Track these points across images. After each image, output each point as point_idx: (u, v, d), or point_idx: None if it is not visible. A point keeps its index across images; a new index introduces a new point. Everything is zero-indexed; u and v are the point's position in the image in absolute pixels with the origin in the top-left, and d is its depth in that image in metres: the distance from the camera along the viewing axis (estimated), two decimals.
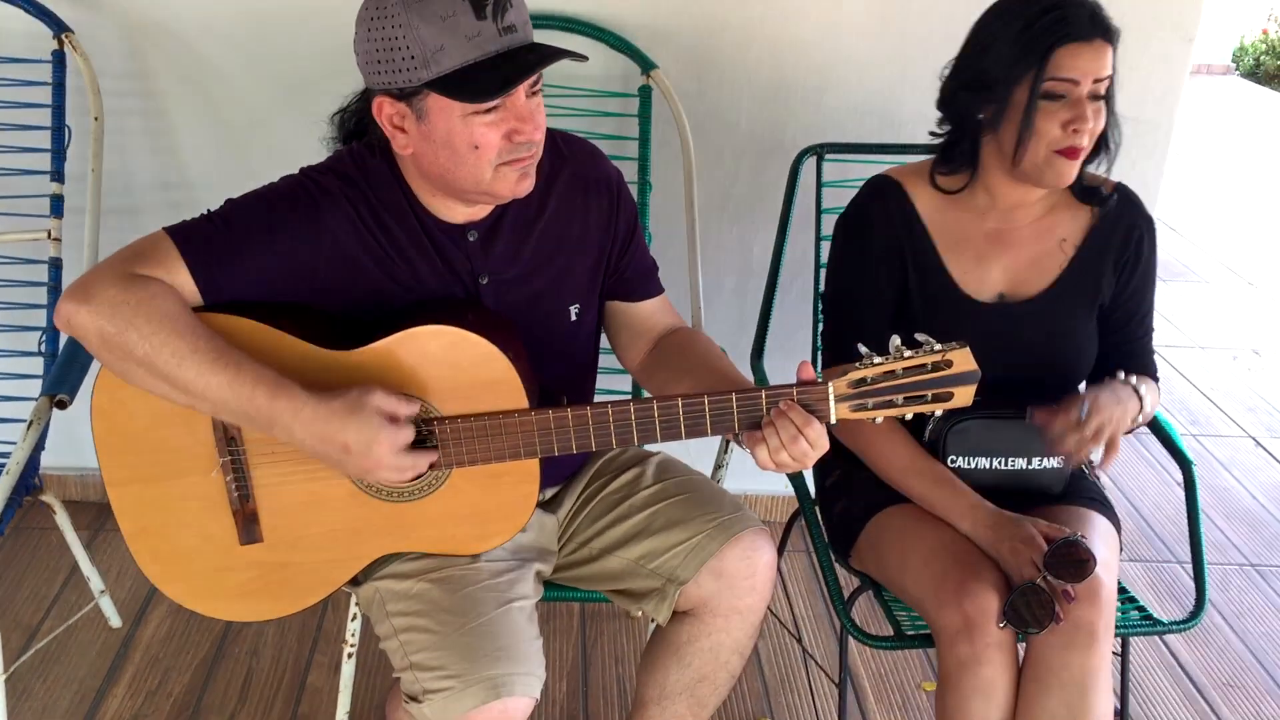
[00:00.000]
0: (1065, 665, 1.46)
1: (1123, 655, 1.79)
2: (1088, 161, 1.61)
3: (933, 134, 1.68)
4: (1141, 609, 1.76)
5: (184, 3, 2.16)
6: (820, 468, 1.81)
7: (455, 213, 1.43)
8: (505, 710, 1.33)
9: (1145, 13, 2.20)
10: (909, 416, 1.35)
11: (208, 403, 1.28)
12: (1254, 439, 3.36)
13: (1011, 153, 1.55)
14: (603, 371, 1.69)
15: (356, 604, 1.66)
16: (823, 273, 1.79)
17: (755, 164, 2.33)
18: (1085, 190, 1.66)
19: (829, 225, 1.79)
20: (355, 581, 1.52)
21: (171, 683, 2.13)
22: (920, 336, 1.32)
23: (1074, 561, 1.45)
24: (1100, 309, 1.70)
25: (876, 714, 2.16)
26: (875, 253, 1.67)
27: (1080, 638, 1.45)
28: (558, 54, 1.30)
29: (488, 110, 1.29)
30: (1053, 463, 1.64)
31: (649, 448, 1.67)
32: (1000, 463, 1.63)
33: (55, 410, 1.79)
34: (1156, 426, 1.85)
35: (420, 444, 1.36)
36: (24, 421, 1.80)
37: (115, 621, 2.25)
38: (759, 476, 1.99)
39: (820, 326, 1.89)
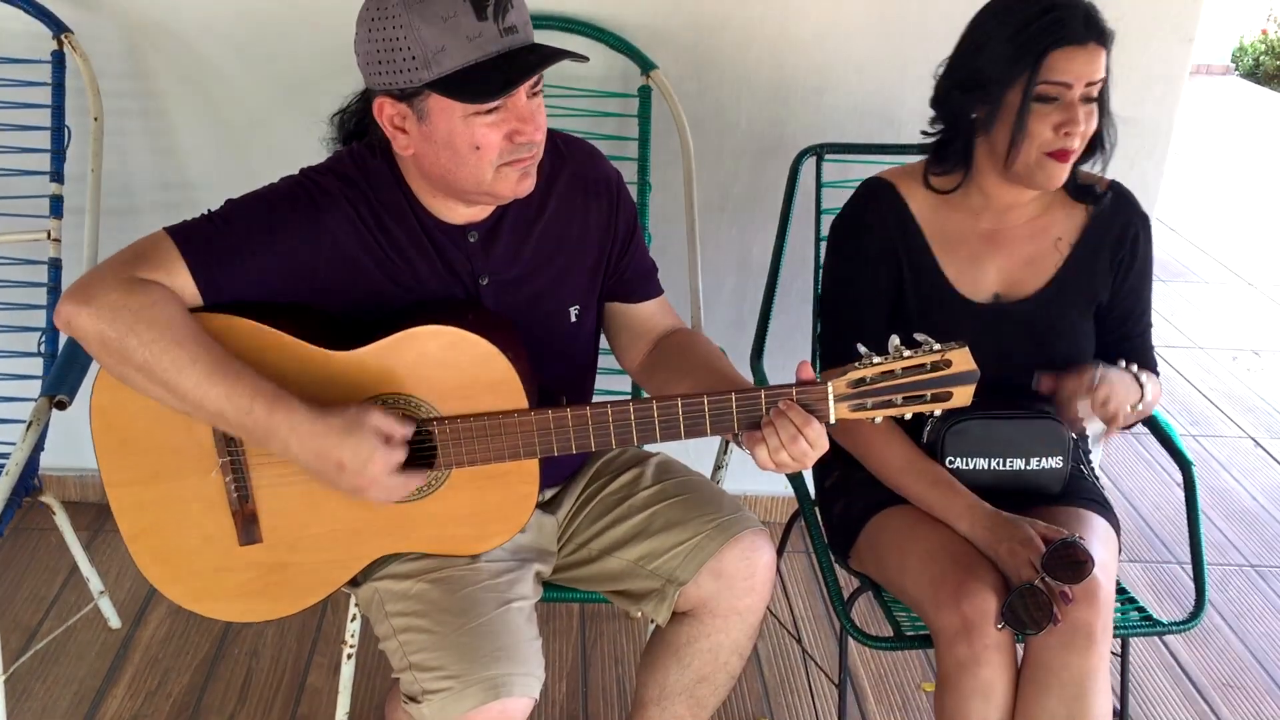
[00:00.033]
0: (1063, 666, 1.46)
1: (1122, 656, 1.79)
2: (1082, 161, 1.61)
3: (925, 133, 1.68)
4: (1141, 609, 1.76)
5: (183, 3, 2.17)
6: (819, 468, 1.81)
7: (456, 213, 1.43)
8: (504, 710, 1.33)
9: (1145, 13, 2.20)
10: (908, 416, 1.35)
11: (205, 412, 1.28)
12: (1253, 439, 3.36)
13: (1004, 154, 1.55)
14: (602, 372, 1.69)
15: (356, 604, 1.66)
16: (822, 273, 1.79)
17: (755, 164, 2.33)
18: (1079, 189, 1.67)
19: (829, 225, 1.79)
20: (354, 582, 1.52)
21: (171, 683, 2.13)
22: (919, 336, 1.33)
23: (1072, 563, 1.45)
24: (1098, 307, 1.71)
25: (876, 714, 2.16)
26: (870, 254, 1.67)
27: (1078, 639, 1.45)
28: (559, 54, 1.30)
29: (489, 111, 1.29)
30: (1051, 463, 1.64)
31: (648, 448, 1.67)
32: (999, 463, 1.63)
33: (55, 411, 1.78)
34: (1156, 427, 1.85)
35: (414, 457, 1.37)
36: (23, 422, 1.80)
37: (115, 622, 2.25)
38: (758, 477, 1.99)
39: (818, 328, 1.89)
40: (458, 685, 1.33)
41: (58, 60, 2.07)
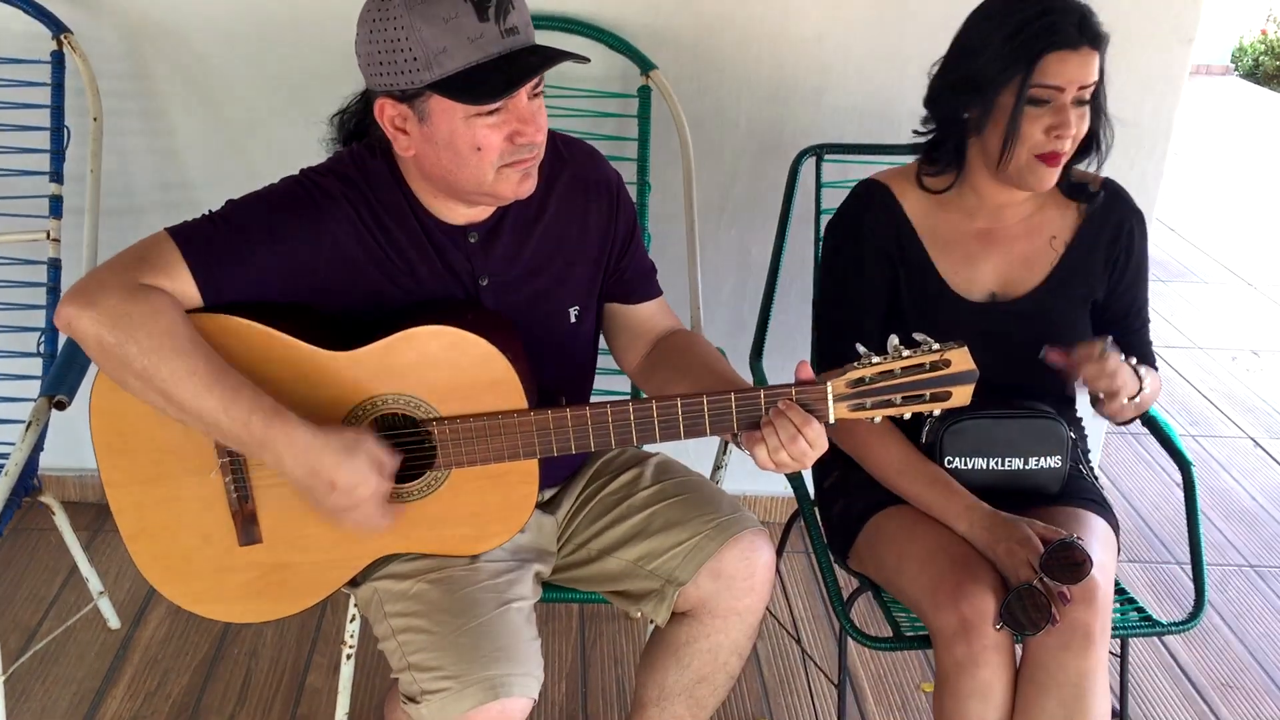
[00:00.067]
0: (1062, 667, 1.46)
1: (1122, 656, 1.79)
2: (1075, 161, 1.62)
3: (917, 132, 1.68)
4: (1141, 610, 1.76)
5: (183, 3, 2.17)
6: (819, 469, 1.81)
7: (456, 214, 1.43)
8: (503, 711, 1.33)
9: (1144, 14, 2.21)
10: (907, 416, 1.35)
11: (201, 422, 1.28)
12: (1253, 440, 3.36)
13: (995, 155, 1.56)
14: (600, 372, 1.69)
15: (355, 605, 1.66)
16: (817, 276, 1.80)
17: (755, 164, 2.33)
18: (1073, 187, 1.67)
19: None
20: (354, 582, 1.52)
21: (170, 684, 2.13)
22: (918, 336, 1.33)
23: (1070, 563, 1.45)
24: (1094, 305, 1.71)
25: (875, 715, 2.16)
26: (865, 257, 1.68)
27: (1076, 639, 1.45)
28: (560, 56, 1.30)
29: (490, 112, 1.29)
30: (1050, 462, 1.64)
31: (648, 448, 1.67)
32: (997, 463, 1.63)
33: (54, 411, 1.78)
34: (1155, 427, 1.85)
35: (414, 457, 1.38)
36: (23, 422, 1.80)
37: (114, 623, 2.25)
38: (758, 477, 1.99)
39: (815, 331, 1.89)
40: (457, 685, 1.33)
41: (57, 60, 2.07)
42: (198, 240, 1.33)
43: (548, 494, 1.65)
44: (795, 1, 2.20)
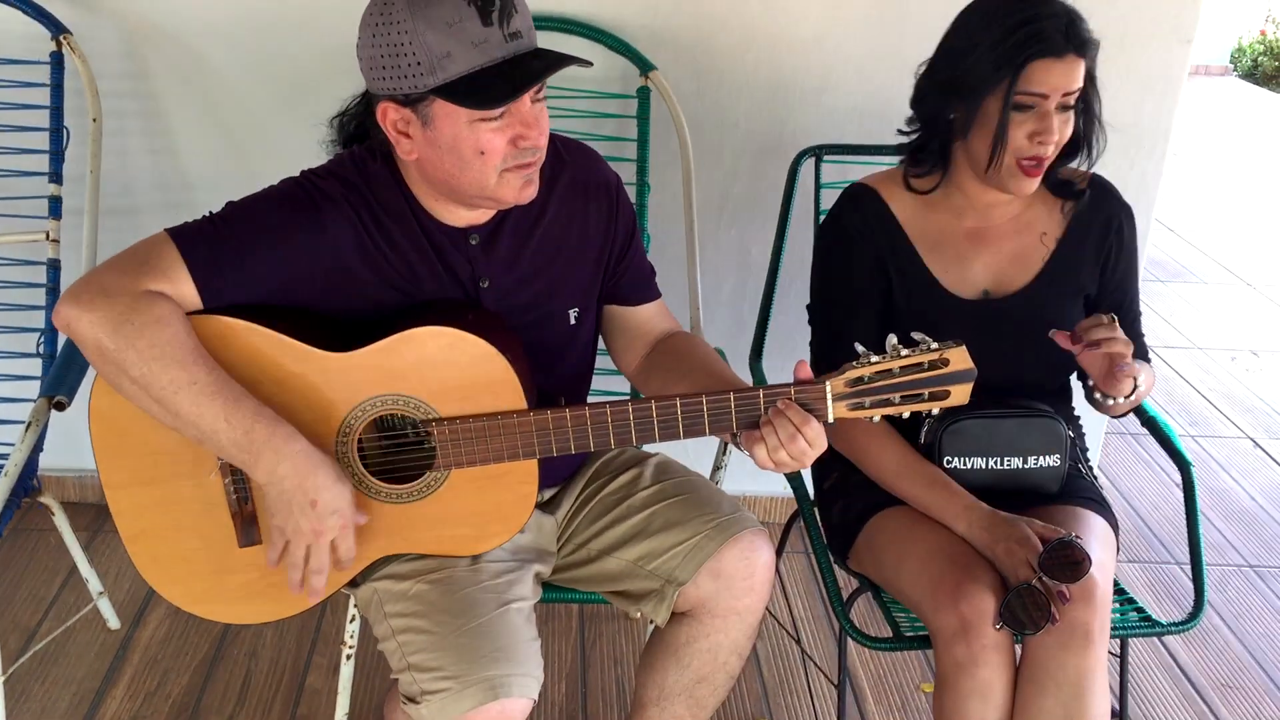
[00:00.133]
0: (1061, 666, 1.46)
1: (1121, 656, 1.79)
2: (1061, 163, 1.63)
3: (901, 132, 1.69)
4: (1140, 610, 1.76)
5: (183, 4, 2.17)
6: (818, 469, 1.81)
7: (457, 216, 1.43)
8: (503, 711, 1.33)
9: (1143, 15, 2.21)
10: (906, 416, 1.35)
11: (197, 430, 1.29)
12: (1252, 440, 3.36)
13: (980, 159, 1.57)
14: (599, 373, 1.69)
15: (355, 605, 1.66)
16: (810, 282, 1.80)
17: (754, 165, 2.33)
18: (1060, 185, 1.68)
19: None
20: (354, 583, 1.52)
21: (170, 684, 2.13)
22: (917, 335, 1.33)
23: (1069, 562, 1.45)
24: (1087, 299, 1.72)
25: (875, 715, 2.16)
26: (856, 261, 1.68)
27: (1076, 639, 1.45)
28: (564, 60, 1.30)
29: (494, 117, 1.29)
30: (1049, 461, 1.64)
31: (647, 449, 1.67)
32: (996, 462, 1.63)
33: (54, 412, 1.78)
34: (1155, 427, 1.85)
35: (414, 458, 1.39)
36: (22, 423, 1.80)
37: (114, 623, 2.25)
38: (758, 477, 1.99)
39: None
40: (456, 686, 1.33)
41: (56, 61, 2.07)
42: (198, 242, 1.33)
43: (547, 494, 1.65)
44: (795, 2, 2.20)
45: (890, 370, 1.32)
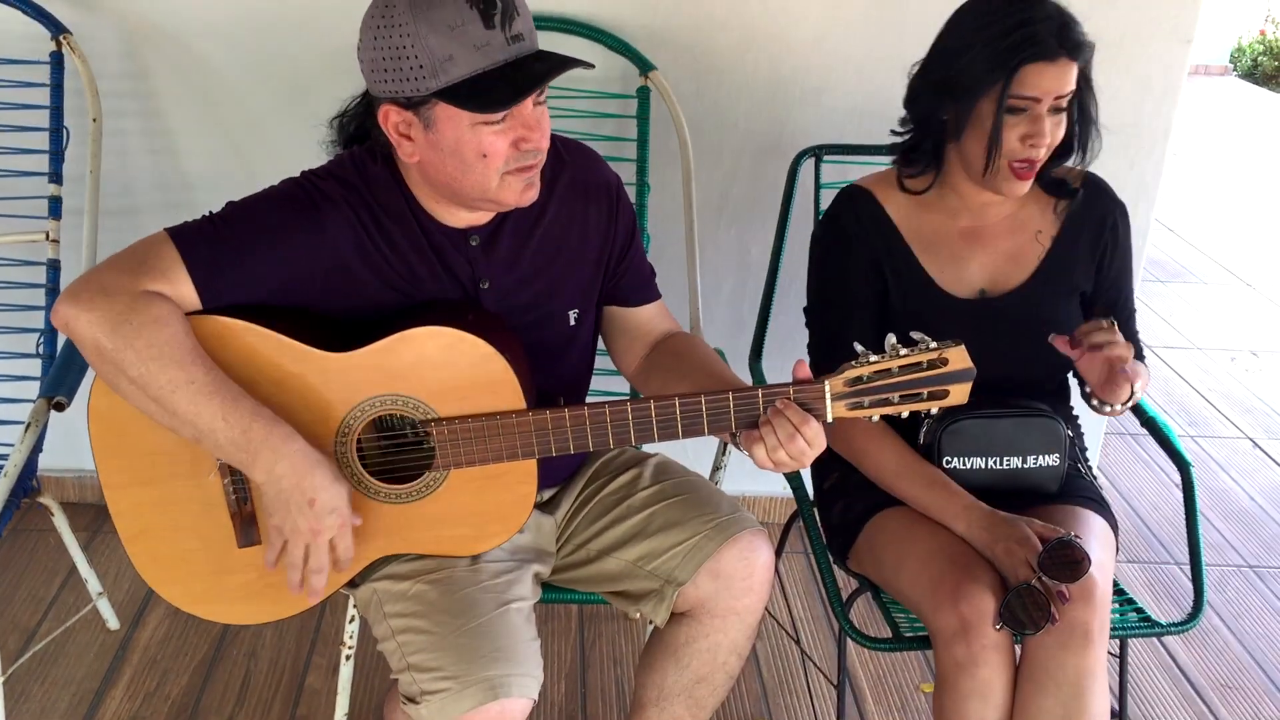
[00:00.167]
0: (1060, 666, 1.46)
1: (1121, 657, 1.79)
2: (1052, 164, 1.63)
3: (894, 132, 1.69)
4: (1140, 610, 1.76)
5: (183, 4, 2.17)
6: (818, 470, 1.81)
7: (457, 217, 1.43)
8: (503, 711, 1.33)
9: (1143, 15, 2.21)
10: (905, 415, 1.35)
11: (194, 429, 1.29)
12: (1252, 440, 3.36)
13: (973, 161, 1.58)
14: (599, 373, 1.69)
15: (354, 605, 1.66)
16: (806, 285, 1.81)
17: (754, 165, 2.33)
18: (1053, 183, 1.69)
19: None
20: (353, 583, 1.52)
21: (169, 685, 2.13)
22: (916, 335, 1.33)
23: (1069, 562, 1.45)
24: (1083, 297, 1.72)
25: (875, 715, 2.16)
26: (853, 262, 1.69)
27: (1075, 638, 1.45)
28: (566, 63, 1.30)
29: (496, 119, 1.29)
30: (1048, 460, 1.64)
31: (647, 449, 1.67)
32: (995, 462, 1.64)
33: (53, 412, 1.78)
34: (1154, 428, 1.86)
35: (410, 461, 1.39)
36: (22, 423, 1.80)
37: (113, 623, 2.25)
38: (757, 478, 1.99)
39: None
40: (456, 686, 1.33)
41: (56, 61, 2.07)
42: (197, 242, 1.33)
43: (547, 494, 1.65)
44: (794, 3, 2.20)
45: (889, 370, 1.32)
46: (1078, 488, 1.69)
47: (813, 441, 1.32)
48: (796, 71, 2.26)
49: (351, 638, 1.78)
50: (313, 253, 1.37)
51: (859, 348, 1.32)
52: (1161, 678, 2.30)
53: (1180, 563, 2.68)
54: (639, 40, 2.18)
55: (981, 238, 1.69)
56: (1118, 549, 1.66)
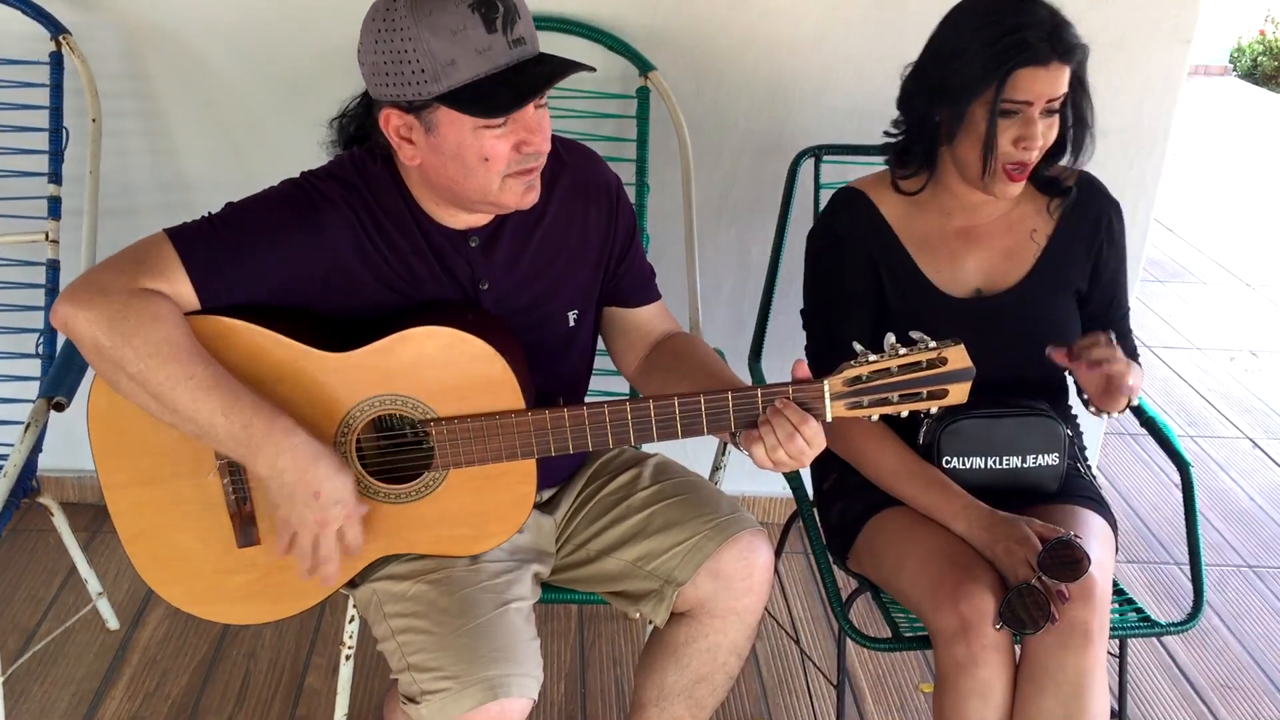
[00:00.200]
0: (1060, 666, 1.46)
1: (1120, 657, 1.79)
2: (1045, 165, 1.63)
3: (887, 134, 1.69)
4: (1139, 610, 1.76)
5: (182, 4, 2.17)
6: (818, 470, 1.81)
7: (457, 219, 1.43)
8: (503, 711, 1.33)
9: (1143, 15, 2.21)
10: (904, 415, 1.35)
11: (195, 425, 1.29)
12: (1251, 440, 3.36)
13: (968, 164, 1.58)
14: (598, 373, 1.69)
15: (354, 606, 1.66)
16: (803, 287, 1.81)
17: (753, 165, 2.33)
18: (1047, 182, 1.69)
19: None
20: (353, 583, 1.52)
21: (169, 685, 2.13)
22: (915, 334, 1.33)
23: (1068, 561, 1.45)
24: (1078, 295, 1.72)
25: (874, 715, 2.16)
26: (849, 263, 1.69)
27: (1075, 638, 1.46)
28: (568, 67, 1.30)
29: (498, 123, 1.29)
30: (1047, 460, 1.64)
31: (646, 449, 1.67)
32: (995, 461, 1.64)
33: (53, 412, 1.78)
34: (1154, 428, 1.86)
35: (409, 461, 1.39)
36: (21, 423, 1.80)
37: (113, 623, 2.25)
38: (757, 478, 1.99)
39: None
40: (456, 686, 1.33)
41: (56, 61, 2.07)
42: (196, 242, 1.33)
43: (546, 494, 1.65)
44: (794, 3, 2.20)
45: (888, 369, 1.32)
46: (1077, 487, 1.69)
47: (812, 441, 1.32)
48: (796, 72, 2.26)
49: (351, 638, 1.79)
50: (312, 253, 1.37)
51: (858, 347, 1.32)
52: (1161, 678, 2.30)
53: (1180, 563, 2.68)
54: (639, 40, 2.18)
55: (976, 237, 1.69)
56: (1117, 549, 1.66)
